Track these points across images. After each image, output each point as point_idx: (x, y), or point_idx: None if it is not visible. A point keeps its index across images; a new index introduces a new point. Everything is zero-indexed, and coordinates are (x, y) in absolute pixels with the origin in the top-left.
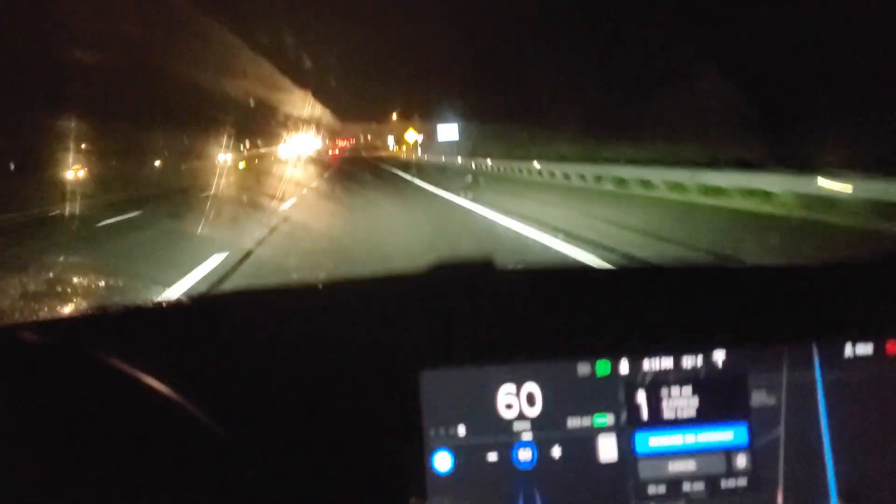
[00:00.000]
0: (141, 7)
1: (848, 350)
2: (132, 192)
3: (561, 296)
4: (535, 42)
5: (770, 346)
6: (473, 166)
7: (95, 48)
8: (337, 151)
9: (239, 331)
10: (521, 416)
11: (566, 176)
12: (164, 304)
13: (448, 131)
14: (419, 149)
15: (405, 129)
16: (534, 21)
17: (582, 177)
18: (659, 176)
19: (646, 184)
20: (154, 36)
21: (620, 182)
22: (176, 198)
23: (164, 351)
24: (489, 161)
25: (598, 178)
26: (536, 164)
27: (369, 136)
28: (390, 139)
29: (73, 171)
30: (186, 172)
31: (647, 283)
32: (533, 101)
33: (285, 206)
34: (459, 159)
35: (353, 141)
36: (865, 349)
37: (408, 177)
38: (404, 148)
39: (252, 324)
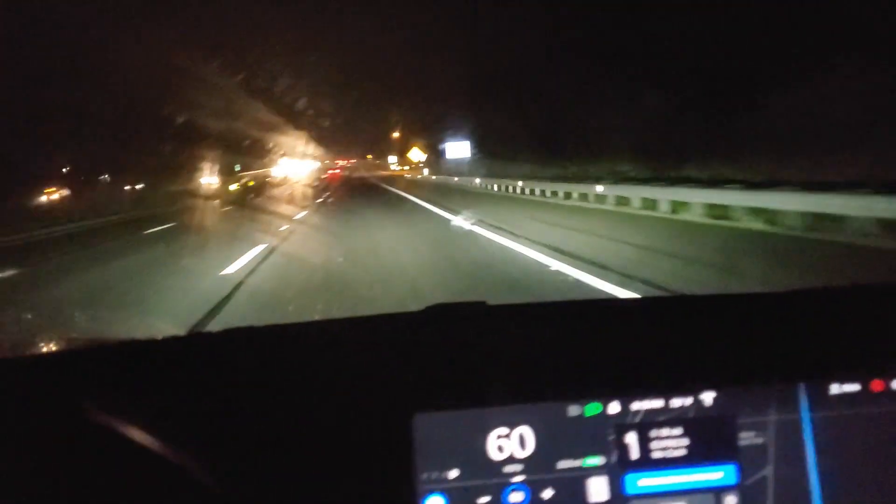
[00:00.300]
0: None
1: (834, 389)
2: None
3: (551, 335)
4: (560, 49)
5: (757, 386)
6: (504, 189)
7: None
8: (337, 170)
9: (229, 372)
10: (512, 459)
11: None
12: (156, 342)
13: (458, 149)
14: (423, 168)
15: (408, 147)
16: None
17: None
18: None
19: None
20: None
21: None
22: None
23: (152, 392)
24: (519, 183)
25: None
26: (600, 188)
27: (369, 156)
28: (392, 158)
29: (47, 195)
30: (163, 199)
31: (637, 318)
32: (563, 118)
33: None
34: (477, 181)
35: (352, 161)
36: (851, 388)
37: (425, 205)
38: (406, 167)
39: (242, 365)
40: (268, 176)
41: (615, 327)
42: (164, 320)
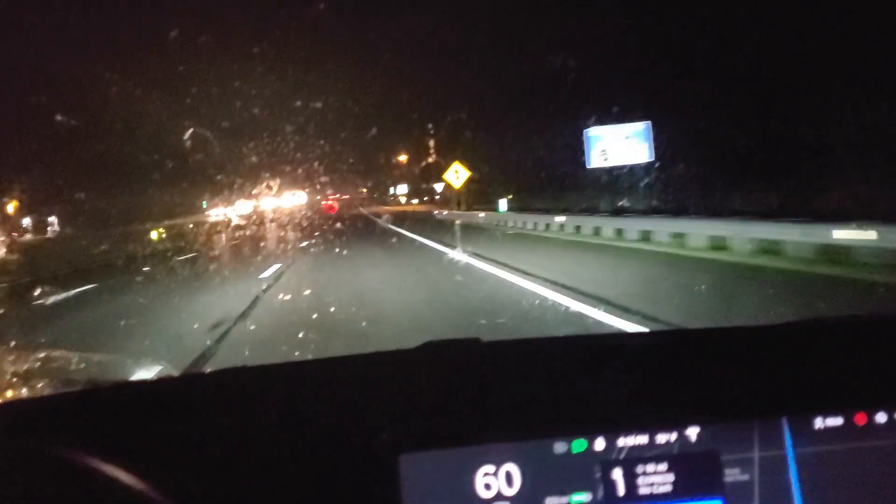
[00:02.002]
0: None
1: (818, 423)
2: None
3: (538, 373)
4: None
5: (740, 421)
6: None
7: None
8: (329, 204)
9: (217, 412)
10: (499, 497)
11: None
12: (146, 384)
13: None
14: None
15: (427, 171)
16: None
17: None
18: None
19: None
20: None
21: None
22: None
23: (136, 435)
24: (562, 218)
25: None
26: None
27: (364, 189)
28: (401, 188)
29: None
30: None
31: (622, 354)
32: None
33: None
34: (511, 222)
35: (344, 196)
36: (835, 421)
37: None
38: (409, 200)
39: (229, 406)
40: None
41: (601, 364)
42: (158, 360)
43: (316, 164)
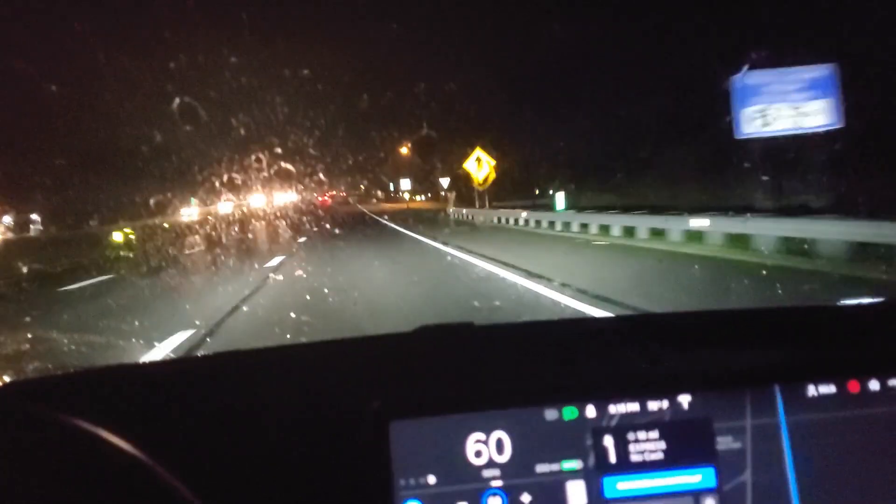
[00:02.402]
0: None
1: (811, 391)
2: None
3: (531, 346)
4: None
5: (733, 389)
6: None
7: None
8: (324, 199)
9: (216, 389)
10: (490, 464)
11: None
12: (143, 366)
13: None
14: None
15: (420, 168)
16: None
17: None
18: None
19: None
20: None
21: None
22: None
23: (137, 413)
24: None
25: None
26: None
27: (362, 186)
28: (405, 183)
29: None
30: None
31: (616, 330)
32: None
33: None
34: (575, 223)
35: (341, 193)
36: (828, 389)
37: None
38: (410, 197)
39: (228, 383)
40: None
41: (594, 338)
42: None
43: (310, 160)
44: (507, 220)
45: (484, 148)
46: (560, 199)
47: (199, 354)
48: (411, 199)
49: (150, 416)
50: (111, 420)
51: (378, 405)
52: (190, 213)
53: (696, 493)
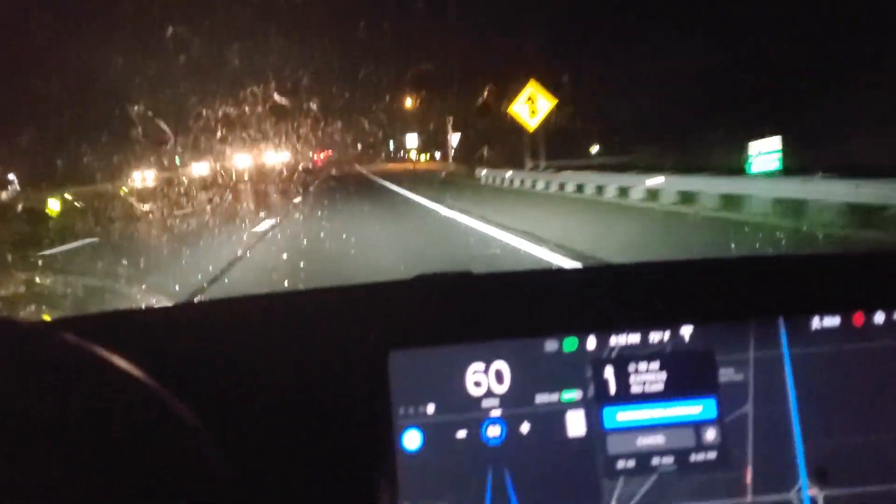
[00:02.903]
0: None
1: (815, 323)
2: None
3: (533, 287)
4: None
5: (736, 320)
6: None
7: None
8: (319, 159)
9: (221, 333)
10: (489, 394)
11: None
12: (153, 309)
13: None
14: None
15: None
16: None
17: None
18: None
19: None
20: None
21: None
22: None
23: (149, 352)
24: None
25: None
26: None
27: (359, 145)
28: (410, 139)
29: None
30: None
31: (618, 274)
32: None
33: None
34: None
35: (329, 152)
36: (832, 321)
37: None
38: (420, 156)
39: (231, 326)
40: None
41: (597, 277)
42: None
43: (305, 117)
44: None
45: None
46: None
47: (210, 299)
48: (417, 160)
49: (172, 356)
50: (139, 357)
51: (377, 336)
52: (144, 176)
53: (697, 424)
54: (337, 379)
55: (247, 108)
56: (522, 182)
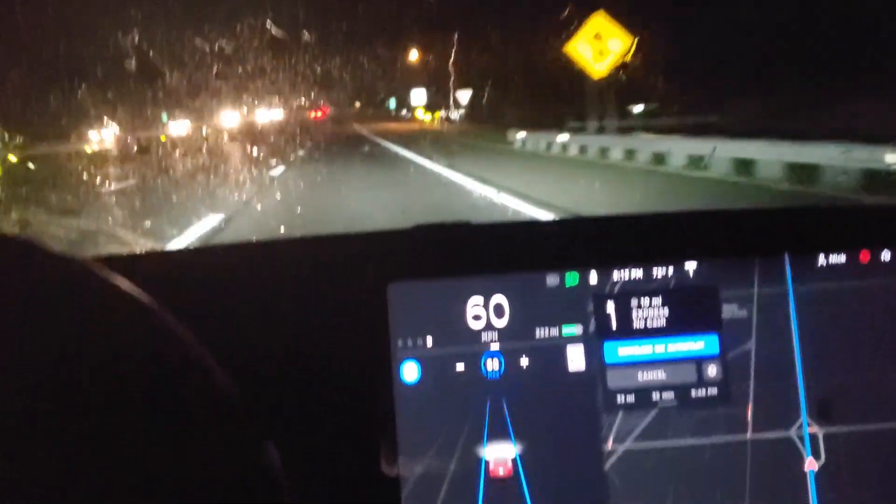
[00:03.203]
0: None
1: (821, 260)
2: None
3: (535, 231)
4: None
5: (741, 257)
6: None
7: None
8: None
9: (227, 276)
10: (489, 328)
11: None
12: (160, 253)
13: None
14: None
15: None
16: None
17: None
18: None
19: None
20: None
21: None
22: None
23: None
24: None
25: None
26: None
27: (357, 103)
28: (417, 94)
29: None
30: None
31: (624, 219)
32: None
33: None
34: None
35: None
36: (838, 259)
37: None
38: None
39: (236, 270)
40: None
41: (600, 219)
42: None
43: (298, 73)
44: None
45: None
46: None
47: (220, 244)
48: (429, 119)
49: (185, 298)
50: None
51: (376, 269)
52: (102, 137)
53: (699, 360)
54: (338, 313)
55: (239, 52)
56: (583, 150)
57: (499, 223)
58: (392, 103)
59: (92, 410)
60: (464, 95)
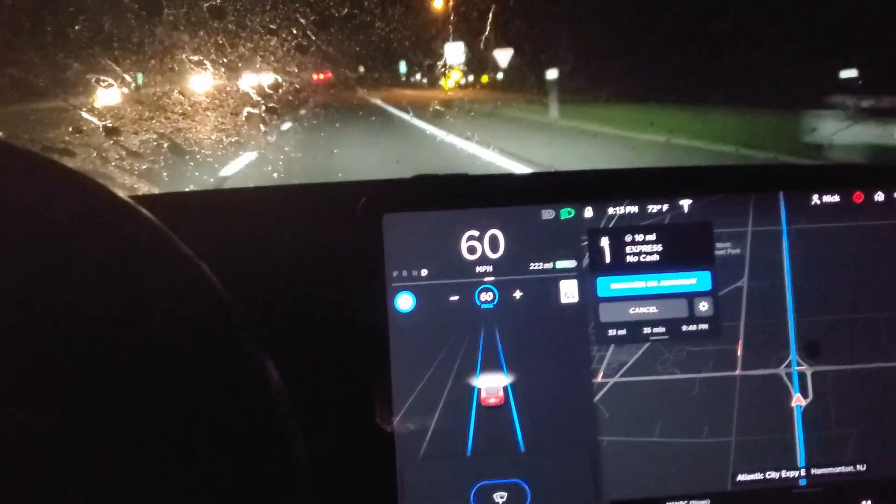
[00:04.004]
0: None
1: (814, 199)
2: None
3: (531, 177)
4: None
5: (736, 194)
6: None
7: None
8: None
9: (225, 217)
10: (483, 260)
11: None
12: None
13: None
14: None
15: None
16: None
17: None
18: None
19: None
20: None
21: None
22: None
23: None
24: None
25: None
26: None
27: (361, 68)
28: (454, 48)
29: None
30: None
31: (619, 171)
32: None
33: None
34: None
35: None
36: (832, 198)
37: None
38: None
39: (234, 212)
40: None
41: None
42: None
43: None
44: None
45: None
46: None
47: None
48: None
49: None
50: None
51: (372, 200)
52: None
53: (691, 295)
54: (334, 244)
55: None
56: None
57: (498, 174)
58: (402, 66)
59: (97, 323)
60: (502, 56)
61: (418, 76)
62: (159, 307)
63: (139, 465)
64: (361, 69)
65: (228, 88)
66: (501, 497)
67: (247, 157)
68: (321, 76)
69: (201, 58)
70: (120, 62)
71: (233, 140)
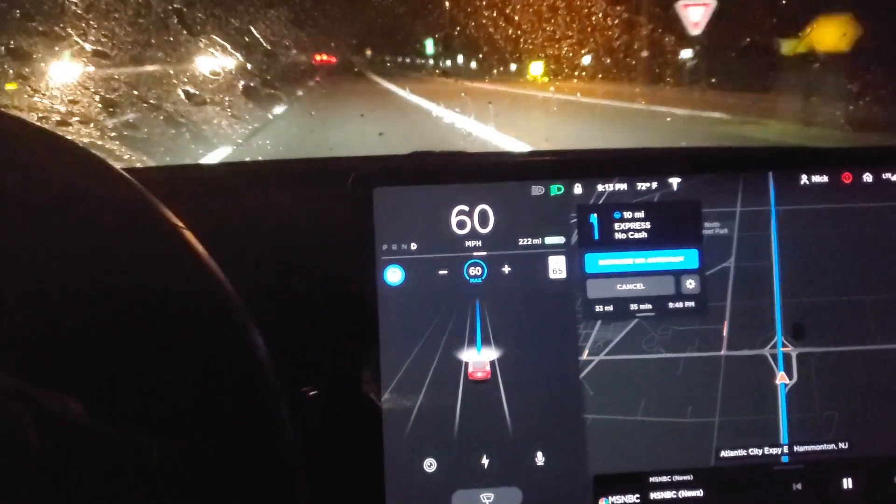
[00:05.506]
0: None
1: (803, 179)
2: None
3: (525, 155)
4: None
5: (726, 174)
6: None
7: None
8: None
9: (218, 190)
10: (473, 235)
11: None
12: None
13: None
14: None
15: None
16: None
17: None
18: None
19: None
20: None
21: None
22: None
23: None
24: None
25: None
26: None
27: (368, 51)
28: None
29: None
30: None
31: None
32: None
33: None
34: None
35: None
36: (820, 179)
37: None
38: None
39: (228, 185)
40: None
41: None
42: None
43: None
44: None
45: None
46: None
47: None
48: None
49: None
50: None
51: (362, 173)
52: None
53: (678, 273)
54: (325, 217)
55: None
56: None
57: (491, 152)
58: (429, 47)
59: (85, 289)
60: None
61: (427, 60)
62: (146, 274)
63: (123, 430)
64: (369, 52)
65: (224, 65)
66: (486, 461)
67: (223, 151)
68: (324, 56)
69: (199, 28)
70: (116, 34)
71: (224, 119)
